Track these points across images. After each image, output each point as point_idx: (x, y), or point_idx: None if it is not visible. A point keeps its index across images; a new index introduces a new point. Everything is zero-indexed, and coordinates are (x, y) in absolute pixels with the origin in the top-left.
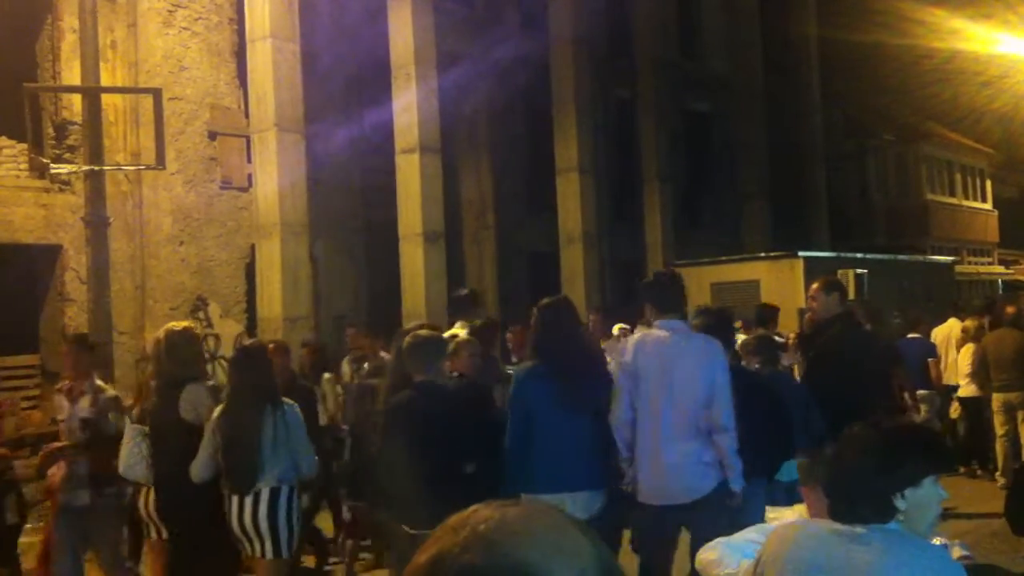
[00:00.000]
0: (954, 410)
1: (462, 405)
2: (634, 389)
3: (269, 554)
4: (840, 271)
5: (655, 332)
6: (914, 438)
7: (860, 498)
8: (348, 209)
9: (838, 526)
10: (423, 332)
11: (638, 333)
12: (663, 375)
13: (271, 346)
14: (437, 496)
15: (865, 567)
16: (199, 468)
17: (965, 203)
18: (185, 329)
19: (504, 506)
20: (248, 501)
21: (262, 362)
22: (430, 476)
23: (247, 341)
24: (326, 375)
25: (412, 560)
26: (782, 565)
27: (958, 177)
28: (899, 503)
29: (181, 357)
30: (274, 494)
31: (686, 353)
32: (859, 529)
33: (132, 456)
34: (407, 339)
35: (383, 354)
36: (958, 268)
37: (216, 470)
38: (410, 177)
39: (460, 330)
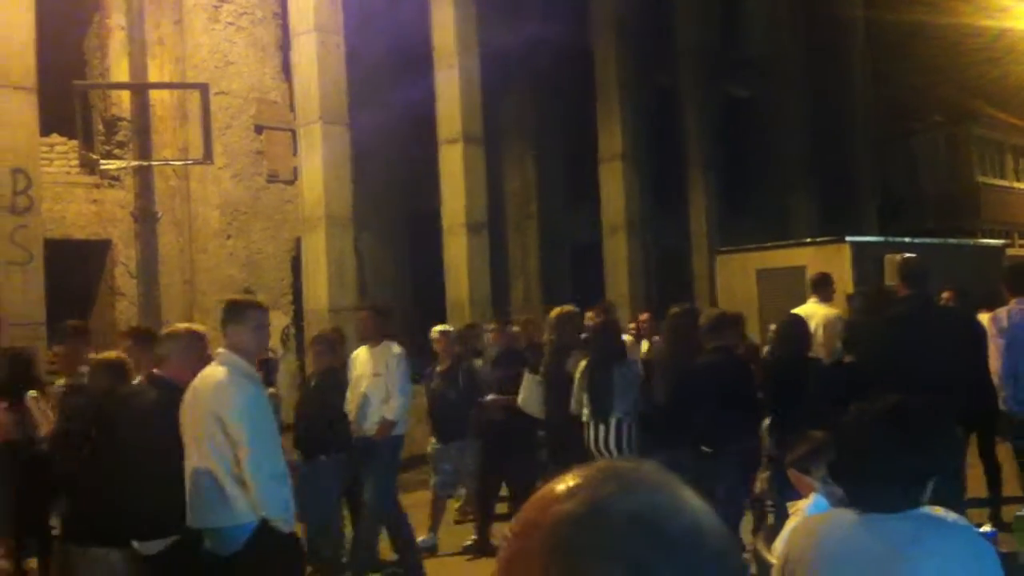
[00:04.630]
0: None
1: (738, 363)
2: (1007, 346)
3: None
4: (888, 255)
5: (1019, 305)
6: (944, 420)
7: (891, 482)
8: (392, 201)
9: (862, 515)
10: (717, 309)
11: (1007, 307)
12: None
13: None
14: (731, 424)
15: (898, 555)
16: (574, 401)
17: (1016, 185)
18: (565, 313)
19: (625, 460)
20: (602, 428)
21: (613, 332)
22: (722, 412)
23: (598, 319)
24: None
25: (547, 508)
26: (810, 564)
27: (1009, 159)
28: (930, 486)
29: (562, 332)
30: (619, 424)
31: None
32: (885, 516)
33: (531, 397)
34: (704, 315)
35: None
36: (1009, 251)
37: (583, 403)
38: (453, 168)
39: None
